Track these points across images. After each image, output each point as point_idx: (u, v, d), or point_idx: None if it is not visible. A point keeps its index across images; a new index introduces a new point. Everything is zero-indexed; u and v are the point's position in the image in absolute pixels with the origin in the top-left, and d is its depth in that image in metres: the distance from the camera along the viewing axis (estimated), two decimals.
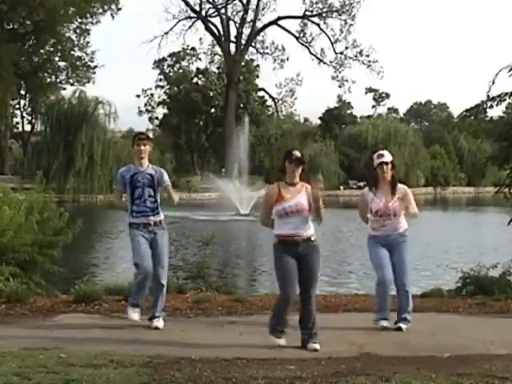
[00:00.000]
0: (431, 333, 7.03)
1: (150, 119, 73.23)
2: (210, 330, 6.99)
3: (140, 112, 73.01)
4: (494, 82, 9.95)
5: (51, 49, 58.37)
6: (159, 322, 7.04)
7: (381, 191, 7.16)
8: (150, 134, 8.14)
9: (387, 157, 7.21)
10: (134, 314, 7.17)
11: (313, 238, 6.37)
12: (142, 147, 7.08)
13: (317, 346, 6.23)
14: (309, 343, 6.26)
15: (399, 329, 7.08)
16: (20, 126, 63.40)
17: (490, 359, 5.84)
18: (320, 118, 75.97)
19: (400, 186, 7.28)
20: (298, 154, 6.36)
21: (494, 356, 6.03)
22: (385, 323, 7.13)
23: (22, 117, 62.43)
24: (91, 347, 6.03)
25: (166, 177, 7.18)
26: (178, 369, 5.25)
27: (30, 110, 61.87)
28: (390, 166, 7.18)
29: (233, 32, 60.25)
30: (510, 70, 9.91)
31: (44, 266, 9.32)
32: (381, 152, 7.34)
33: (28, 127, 60.95)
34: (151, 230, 7.05)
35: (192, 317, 7.72)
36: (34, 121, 59.79)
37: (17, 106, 61.66)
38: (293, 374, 5.17)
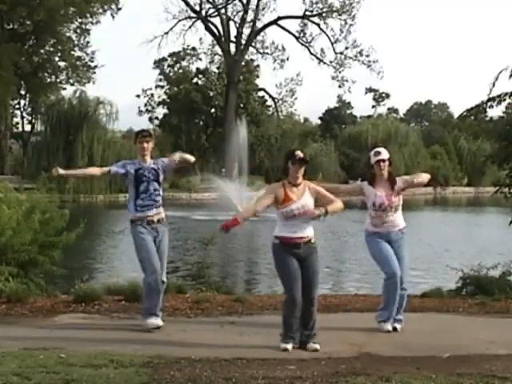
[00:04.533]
0: (431, 333, 7.03)
1: (150, 119, 73.26)
2: (210, 330, 6.99)
3: (140, 112, 73.06)
4: (494, 85, 9.97)
5: (51, 49, 58.24)
6: (160, 321, 7.04)
7: (380, 187, 7.15)
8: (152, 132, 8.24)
9: (384, 154, 7.20)
10: (157, 321, 6.97)
11: (313, 240, 6.37)
12: (145, 144, 7.16)
13: (317, 346, 6.24)
14: (309, 343, 6.27)
15: (395, 329, 7.06)
16: (20, 126, 63.36)
17: (490, 359, 5.84)
18: (320, 118, 75.91)
19: (398, 179, 7.27)
20: (300, 154, 6.31)
21: (494, 356, 6.03)
22: (389, 327, 7.02)
23: (22, 117, 62.40)
24: (91, 347, 6.03)
25: (165, 159, 7.34)
26: (178, 369, 5.26)
27: (30, 110, 61.78)
28: (387, 163, 7.17)
29: (233, 32, 60.26)
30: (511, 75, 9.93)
31: (44, 266, 9.33)
32: (378, 149, 7.30)
33: (28, 127, 60.90)
34: (154, 227, 7.06)
35: (192, 317, 7.72)
36: (34, 121, 59.70)
37: (17, 106, 61.58)
38: (293, 374, 5.17)
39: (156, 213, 7.10)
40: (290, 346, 6.21)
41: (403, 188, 7.21)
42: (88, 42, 59.48)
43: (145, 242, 6.98)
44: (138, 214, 7.04)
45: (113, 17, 57.27)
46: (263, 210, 6.33)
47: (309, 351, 6.18)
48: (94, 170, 7.52)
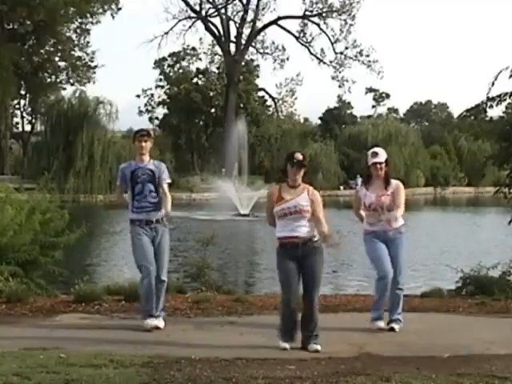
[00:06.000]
0: (431, 333, 7.03)
1: (150, 119, 73.11)
2: (210, 330, 7.00)
3: (140, 112, 72.91)
4: (493, 84, 9.97)
5: (51, 49, 58.24)
6: (160, 322, 7.03)
7: (374, 186, 7.19)
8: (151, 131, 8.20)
9: (381, 157, 7.19)
10: (154, 322, 6.95)
11: (314, 239, 6.36)
12: (143, 143, 7.15)
13: (318, 347, 6.25)
14: (310, 344, 6.29)
15: (392, 329, 7.07)
16: (20, 126, 63.29)
17: (490, 359, 5.85)
18: (320, 118, 75.84)
19: (393, 181, 7.25)
20: (300, 156, 6.36)
21: (493, 356, 6.03)
22: (382, 324, 7.11)
23: (22, 117, 62.32)
24: (91, 347, 6.03)
25: (165, 174, 7.16)
26: (178, 369, 5.25)
27: (30, 110, 61.74)
28: (383, 165, 7.17)
29: (233, 32, 60.27)
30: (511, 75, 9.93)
31: (45, 266, 9.33)
32: (375, 150, 7.28)
33: (28, 127, 60.82)
34: (153, 227, 7.05)
35: (192, 317, 7.72)
36: (34, 121, 59.67)
37: (17, 106, 61.52)
38: (293, 374, 5.17)
39: (153, 214, 7.05)
40: (288, 345, 6.24)
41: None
42: (88, 42, 59.59)
43: (141, 243, 6.99)
44: (135, 215, 7.08)
45: (113, 17, 57.38)
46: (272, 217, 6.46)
47: (310, 352, 6.19)
48: (120, 197, 7.50)
